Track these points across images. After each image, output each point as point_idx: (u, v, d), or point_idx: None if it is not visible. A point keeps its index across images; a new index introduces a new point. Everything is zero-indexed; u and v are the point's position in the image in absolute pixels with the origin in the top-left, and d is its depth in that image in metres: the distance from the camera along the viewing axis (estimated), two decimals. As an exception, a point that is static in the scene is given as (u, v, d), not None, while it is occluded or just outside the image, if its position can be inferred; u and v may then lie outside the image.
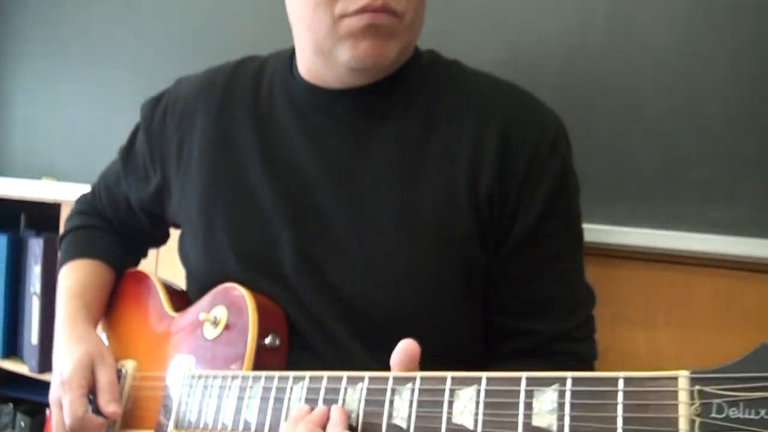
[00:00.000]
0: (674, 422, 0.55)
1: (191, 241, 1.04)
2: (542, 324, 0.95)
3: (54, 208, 1.88)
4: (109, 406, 0.96)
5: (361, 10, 0.86)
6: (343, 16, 0.88)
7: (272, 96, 1.02)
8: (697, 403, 0.54)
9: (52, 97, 2.06)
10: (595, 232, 1.21)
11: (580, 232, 1.00)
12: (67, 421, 0.95)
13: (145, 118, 1.13)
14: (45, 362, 1.89)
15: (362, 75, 0.94)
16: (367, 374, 0.73)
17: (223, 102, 1.04)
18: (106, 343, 1.13)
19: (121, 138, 1.80)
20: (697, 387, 0.54)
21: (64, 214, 1.85)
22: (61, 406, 0.97)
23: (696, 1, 1.24)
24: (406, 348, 0.72)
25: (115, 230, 1.22)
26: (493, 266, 0.95)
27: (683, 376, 0.55)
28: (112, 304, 1.17)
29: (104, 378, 0.98)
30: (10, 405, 2.00)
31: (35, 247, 1.90)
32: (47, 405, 1.85)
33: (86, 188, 1.78)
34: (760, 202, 1.21)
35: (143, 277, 1.16)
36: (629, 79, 1.28)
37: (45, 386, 1.88)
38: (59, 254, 1.22)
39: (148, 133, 1.11)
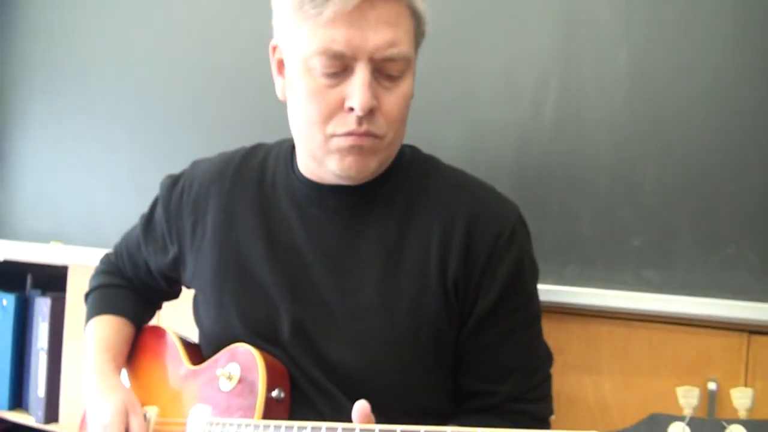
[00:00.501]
0: None
1: (204, 307, 1.21)
2: (501, 387, 1.10)
3: (61, 270, 2.04)
4: None
5: (348, 133, 1.03)
6: (333, 135, 1.04)
7: (275, 186, 1.19)
8: None
9: (57, 167, 2.20)
10: (547, 292, 1.39)
11: (536, 307, 1.17)
12: None
13: (164, 196, 1.28)
14: (50, 414, 2.03)
15: (350, 179, 1.10)
16: (358, 426, 0.90)
17: (232, 189, 1.21)
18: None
19: (123, 205, 1.96)
20: None
21: (71, 275, 2.02)
22: None
23: (629, 92, 1.45)
24: (360, 410, 0.91)
25: (135, 288, 1.38)
26: (460, 339, 1.11)
27: None
28: (132, 356, 1.33)
29: (136, 423, 1.14)
30: (15, 454, 2.14)
31: (42, 305, 2.06)
32: (51, 454, 2.02)
33: (91, 251, 1.95)
34: (688, 266, 1.40)
35: (161, 333, 1.32)
36: (575, 161, 1.49)
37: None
38: (86, 309, 1.38)
39: (167, 211, 1.27)
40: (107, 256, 1.45)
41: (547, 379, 1.16)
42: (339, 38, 0.99)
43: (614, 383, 1.41)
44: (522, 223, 1.14)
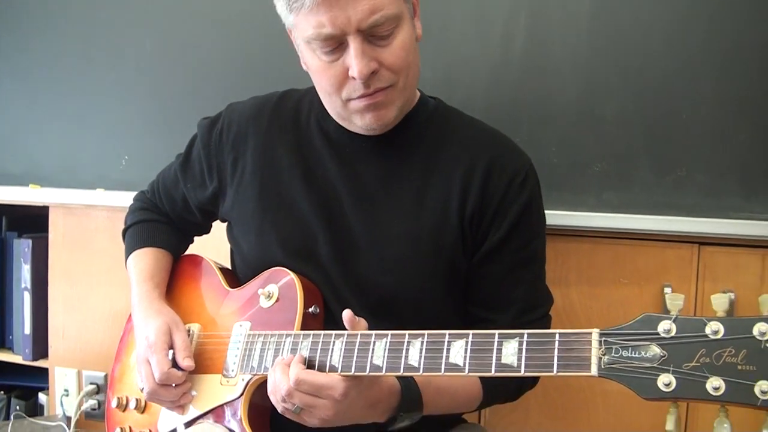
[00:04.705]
0: (588, 359, 0.88)
1: (244, 235, 1.32)
2: (500, 316, 1.23)
3: (41, 211, 2.09)
4: (185, 361, 1.22)
5: (361, 96, 1.15)
6: (349, 99, 1.17)
7: (309, 126, 1.31)
8: (603, 348, 0.88)
9: (30, 110, 2.19)
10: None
11: (540, 249, 1.29)
12: (156, 374, 1.20)
13: (203, 135, 1.39)
14: (38, 350, 2.10)
15: (374, 131, 1.22)
16: (389, 332, 1.02)
17: (269, 128, 1.32)
18: None
19: (99, 145, 1.99)
20: (604, 338, 0.88)
21: (52, 216, 2.07)
22: (148, 362, 1.22)
23: (591, 30, 1.58)
24: (347, 316, 1.04)
25: (171, 222, 1.48)
26: (470, 269, 1.24)
27: (596, 332, 0.89)
28: (172, 282, 1.42)
29: (179, 340, 1.24)
30: (1, 392, 2.20)
31: (24, 247, 2.10)
32: (40, 389, 2.08)
33: (70, 192, 2.00)
34: (644, 187, 1.57)
35: (199, 260, 1.43)
36: (541, 94, 1.62)
37: (36, 371, 2.09)
38: (125, 244, 1.46)
39: (206, 149, 1.37)
40: (142, 193, 1.53)
41: (544, 317, 1.29)
42: (325, 22, 1.09)
43: (580, 293, 1.58)
44: (533, 171, 1.27)
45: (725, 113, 1.51)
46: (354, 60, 1.11)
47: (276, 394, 1.06)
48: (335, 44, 1.12)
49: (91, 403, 2.03)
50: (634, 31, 1.56)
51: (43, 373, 2.12)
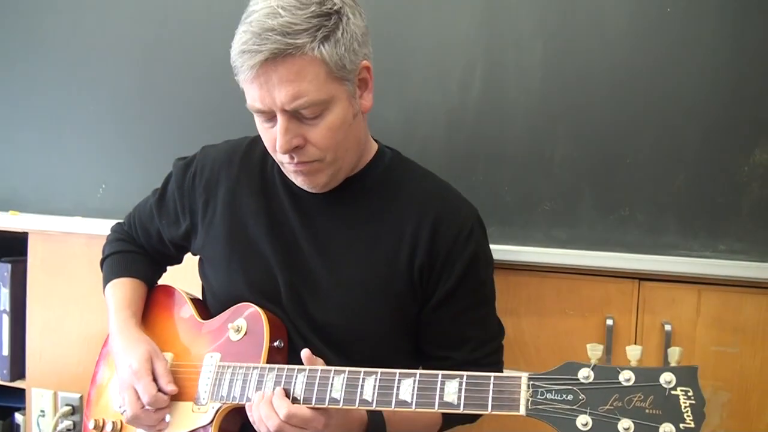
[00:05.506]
0: (517, 400, 0.99)
1: (214, 272, 1.42)
2: (456, 354, 1.34)
3: (20, 236, 2.15)
4: (169, 386, 1.30)
5: (288, 162, 1.25)
6: (281, 162, 1.28)
7: (273, 175, 1.40)
8: (531, 390, 1.00)
9: (10, 137, 2.26)
10: (474, 249, 1.64)
11: (489, 291, 1.40)
12: (145, 399, 1.27)
13: (178, 176, 1.48)
14: (16, 371, 2.17)
15: (311, 190, 1.32)
16: (347, 369, 1.13)
17: (239, 175, 1.42)
18: None
19: (78, 173, 2.06)
20: (531, 382, 1.00)
21: (31, 241, 2.14)
22: (133, 389, 1.30)
23: (543, 79, 1.70)
24: (305, 356, 1.18)
25: (146, 253, 1.57)
26: (423, 314, 1.35)
27: (524, 376, 1.00)
28: (146, 311, 1.51)
29: (161, 367, 1.32)
30: (-23, 412, 2.26)
31: (3, 271, 2.17)
32: (17, 409, 2.14)
33: (49, 219, 2.07)
34: (589, 225, 1.69)
35: (171, 291, 1.52)
36: (495, 137, 1.74)
37: (14, 392, 2.15)
38: (102, 273, 1.55)
39: (180, 190, 1.47)
40: (119, 224, 1.62)
41: (498, 350, 1.41)
42: (255, 97, 1.20)
43: (530, 323, 1.69)
44: (479, 223, 1.37)
45: (665, 159, 1.64)
46: (278, 135, 1.21)
47: (262, 427, 1.15)
48: (268, 117, 1.22)
49: (67, 423, 2.09)
50: (582, 82, 1.68)
51: (20, 393, 2.18)
